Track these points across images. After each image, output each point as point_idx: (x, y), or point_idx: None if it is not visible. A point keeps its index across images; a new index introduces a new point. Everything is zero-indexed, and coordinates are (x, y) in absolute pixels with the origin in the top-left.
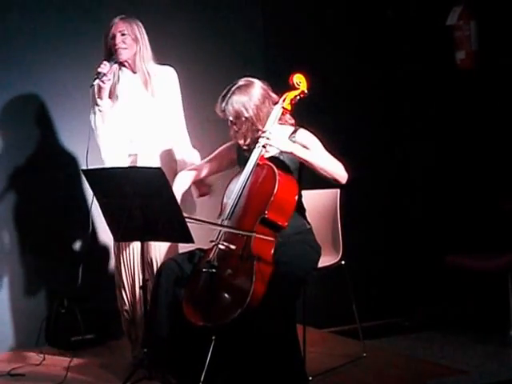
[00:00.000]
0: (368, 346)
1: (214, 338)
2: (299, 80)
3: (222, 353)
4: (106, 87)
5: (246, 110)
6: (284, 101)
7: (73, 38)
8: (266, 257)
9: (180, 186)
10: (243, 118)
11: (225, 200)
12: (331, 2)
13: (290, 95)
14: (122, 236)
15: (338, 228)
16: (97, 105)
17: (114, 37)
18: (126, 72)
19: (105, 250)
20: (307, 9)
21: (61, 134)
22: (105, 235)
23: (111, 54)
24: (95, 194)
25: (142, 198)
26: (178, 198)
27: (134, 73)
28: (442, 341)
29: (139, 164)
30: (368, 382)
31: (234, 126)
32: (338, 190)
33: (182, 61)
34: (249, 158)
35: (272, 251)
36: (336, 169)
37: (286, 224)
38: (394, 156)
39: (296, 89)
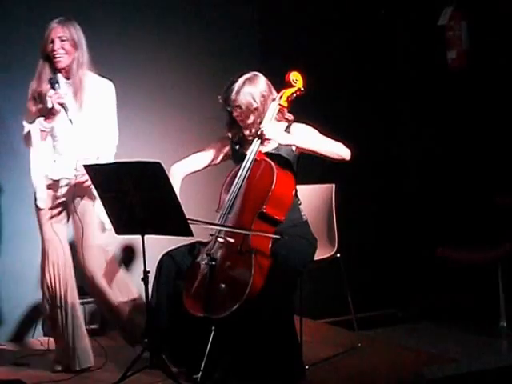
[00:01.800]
0: (363, 336)
1: (213, 328)
2: (295, 78)
3: (221, 343)
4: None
5: (255, 100)
6: (281, 98)
7: None
8: (264, 250)
9: (177, 179)
10: (251, 109)
11: (223, 195)
12: (325, 1)
13: (287, 92)
14: (123, 229)
15: (333, 221)
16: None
17: (52, 42)
18: (60, 79)
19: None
20: (301, 7)
21: None
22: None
23: (48, 58)
24: (96, 188)
25: (141, 192)
26: (177, 190)
27: (68, 79)
28: (435, 331)
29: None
30: (362, 370)
31: (239, 117)
32: (333, 185)
33: (176, 60)
34: (245, 153)
35: (270, 245)
36: (339, 149)
37: (284, 218)
38: (388, 151)
39: (292, 86)
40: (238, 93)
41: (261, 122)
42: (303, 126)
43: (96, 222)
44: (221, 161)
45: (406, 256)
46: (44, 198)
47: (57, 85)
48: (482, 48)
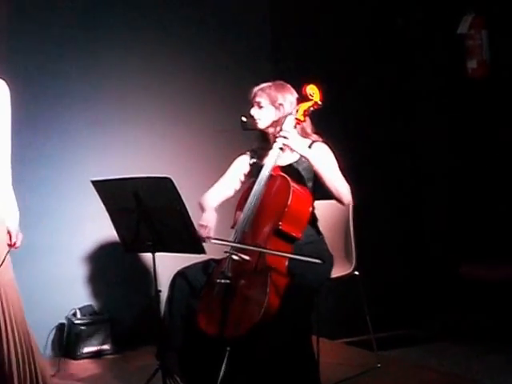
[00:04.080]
0: (382, 356)
1: (228, 348)
2: (312, 91)
3: (236, 363)
4: None
5: (283, 98)
6: (297, 112)
7: None
8: (280, 268)
9: (210, 210)
10: (276, 104)
11: (238, 211)
12: (341, 11)
13: (303, 106)
14: (133, 247)
15: (350, 238)
16: None
17: None
18: None
19: (118, 261)
20: (316, 18)
21: None
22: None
23: None
24: (105, 204)
25: (151, 208)
26: (213, 222)
27: None
28: (457, 351)
29: None
30: None
31: (261, 110)
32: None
33: (186, 73)
34: (262, 165)
35: (286, 263)
36: (343, 188)
37: (301, 235)
38: (407, 165)
39: (309, 100)
40: (262, 89)
41: (277, 127)
42: (325, 148)
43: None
44: (246, 181)
45: (426, 274)
46: None
47: None
48: (504, 57)
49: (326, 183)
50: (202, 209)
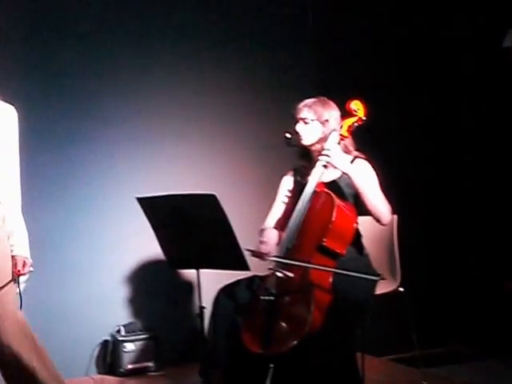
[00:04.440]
0: (428, 374)
1: (272, 365)
2: (356, 107)
3: (280, 380)
4: None
5: (328, 114)
6: (341, 128)
7: None
8: (324, 285)
9: (274, 235)
10: (322, 120)
11: (281, 229)
12: (385, 27)
13: (347, 122)
14: (177, 264)
15: (395, 254)
16: None
17: None
18: None
19: (162, 277)
20: (361, 34)
21: None
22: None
23: None
24: (150, 221)
25: (196, 225)
26: (274, 243)
27: None
28: (503, 369)
29: None
30: None
31: (306, 126)
32: (396, 216)
33: (229, 90)
34: (306, 182)
35: (331, 279)
36: (382, 207)
37: (345, 251)
38: (453, 181)
39: (353, 116)
40: (307, 105)
41: (320, 144)
42: (367, 166)
43: None
44: (292, 197)
45: (472, 290)
46: None
47: None
48: None
49: (365, 201)
50: (262, 230)
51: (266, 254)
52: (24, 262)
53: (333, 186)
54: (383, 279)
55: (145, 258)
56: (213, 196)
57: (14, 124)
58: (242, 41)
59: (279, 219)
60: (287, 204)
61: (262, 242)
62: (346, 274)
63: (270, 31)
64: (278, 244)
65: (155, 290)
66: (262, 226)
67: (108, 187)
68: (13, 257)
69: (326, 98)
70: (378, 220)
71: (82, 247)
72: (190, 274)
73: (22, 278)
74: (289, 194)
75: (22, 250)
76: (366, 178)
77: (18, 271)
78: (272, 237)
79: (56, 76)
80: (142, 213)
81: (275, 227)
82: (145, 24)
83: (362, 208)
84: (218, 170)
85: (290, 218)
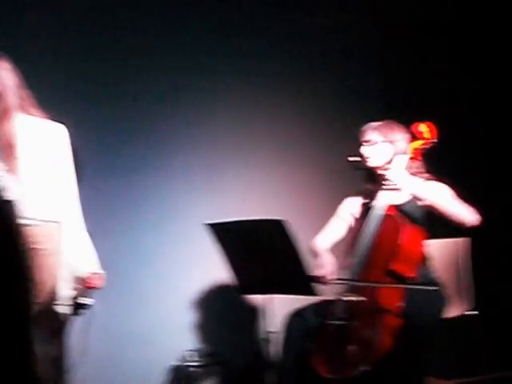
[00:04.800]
0: None
1: None
2: (425, 129)
3: None
4: None
5: (395, 136)
6: (409, 150)
7: None
8: (393, 309)
9: (325, 253)
10: (388, 142)
11: (348, 252)
12: (452, 50)
13: (415, 144)
14: (246, 289)
15: (468, 277)
16: None
17: None
18: None
19: (229, 303)
20: (426, 58)
21: None
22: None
23: None
24: (219, 246)
25: (264, 251)
26: (329, 263)
27: None
28: None
29: None
30: None
31: (372, 148)
32: (469, 239)
33: (299, 111)
34: (372, 206)
35: (400, 303)
36: (463, 211)
37: (413, 275)
38: None
39: (421, 138)
40: (373, 127)
41: (386, 169)
42: (438, 183)
43: None
44: (358, 220)
45: None
46: None
47: None
48: None
49: (443, 212)
50: (315, 253)
51: (331, 280)
52: (96, 276)
53: (401, 209)
54: (437, 289)
55: (211, 283)
56: (281, 222)
57: (66, 143)
58: (306, 65)
59: (349, 240)
60: (353, 227)
61: (320, 268)
62: (415, 292)
63: (334, 55)
64: (343, 267)
65: (222, 314)
66: (313, 245)
67: (176, 212)
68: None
69: (392, 121)
70: (462, 224)
71: (149, 271)
72: (257, 298)
73: (88, 300)
74: (351, 216)
75: (92, 265)
76: (438, 194)
77: (89, 284)
78: (329, 262)
79: (121, 102)
80: (210, 237)
81: (329, 247)
82: (210, 50)
83: (432, 231)
84: (284, 195)
85: (356, 240)
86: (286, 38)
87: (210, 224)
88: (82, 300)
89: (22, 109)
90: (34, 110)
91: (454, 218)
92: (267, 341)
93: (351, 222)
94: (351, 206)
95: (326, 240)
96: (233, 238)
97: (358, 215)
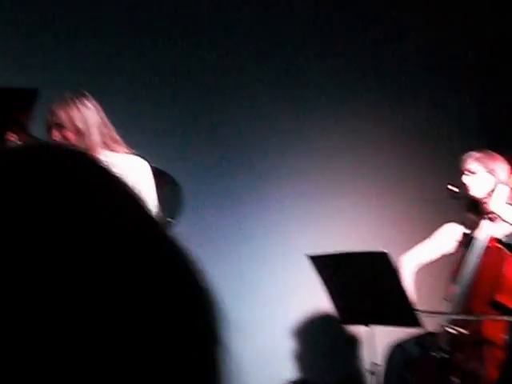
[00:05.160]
0: None
1: None
2: None
3: None
4: None
5: (496, 166)
6: (509, 181)
7: None
8: (497, 341)
9: (408, 272)
10: (489, 172)
11: (452, 283)
12: None
13: None
14: (348, 319)
15: None
16: None
17: (49, 128)
18: None
19: (329, 333)
20: None
21: None
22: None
23: None
24: (321, 278)
25: (367, 282)
26: (410, 283)
27: None
28: None
29: None
30: None
31: (473, 177)
32: None
33: (394, 140)
34: (474, 237)
35: (504, 335)
36: None
37: None
38: None
39: None
40: (474, 157)
41: (485, 202)
42: None
43: None
44: (454, 249)
45: None
46: None
47: None
48: None
49: None
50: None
51: (436, 313)
52: None
53: (504, 240)
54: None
55: (310, 313)
56: (386, 254)
57: (148, 177)
58: (403, 92)
59: (452, 270)
60: (455, 255)
61: None
62: None
63: (430, 82)
64: (447, 297)
65: (322, 344)
66: (399, 262)
67: (277, 241)
68: None
69: (490, 152)
70: None
71: (248, 299)
72: (356, 328)
73: None
74: (446, 243)
75: None
76: None
77: None
78: (410, 288)
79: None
80: (309, 267)
81: (414, 269)
82: (297, 76)
83: None
84: (382, 225)
85: (459, 271)
86: (376, 69)
87: (312, 256)
88: None
89: (106, 146)
90: (118, 147)
91: None
92: (372, 372)
93: (445, 248)
94: (449, 233)
95: (413, 260)
96: (335, 269)
97: (458, 244)
